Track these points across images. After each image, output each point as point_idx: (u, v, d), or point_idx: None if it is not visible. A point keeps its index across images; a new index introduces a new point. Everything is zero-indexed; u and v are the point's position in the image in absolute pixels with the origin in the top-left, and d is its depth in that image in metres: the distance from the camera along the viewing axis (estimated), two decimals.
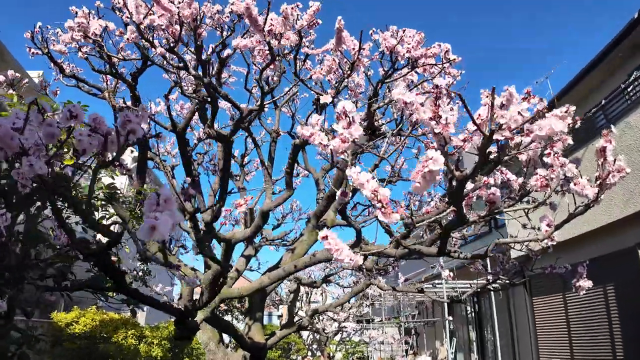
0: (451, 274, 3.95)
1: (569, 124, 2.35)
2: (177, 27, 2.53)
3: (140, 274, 3.45)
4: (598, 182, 1.91)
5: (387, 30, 3.26)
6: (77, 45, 3.54)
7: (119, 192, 3.33)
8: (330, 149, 1.69)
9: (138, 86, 3.96)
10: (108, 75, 4.33)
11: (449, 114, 1.43)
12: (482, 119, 1.45)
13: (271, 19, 2.42)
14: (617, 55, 8.06)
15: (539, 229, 2.37)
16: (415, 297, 13.08)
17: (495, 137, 1.33)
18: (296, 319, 6.73)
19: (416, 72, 3.43)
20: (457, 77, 3.51)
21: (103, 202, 3.28)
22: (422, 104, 1.40)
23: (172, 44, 2.61)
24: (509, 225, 9.91)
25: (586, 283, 3.57)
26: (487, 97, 1.45)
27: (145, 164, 4.57)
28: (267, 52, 2.52)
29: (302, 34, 3.01)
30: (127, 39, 2.76)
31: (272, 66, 2.70)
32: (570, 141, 1.80)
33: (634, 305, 7.30)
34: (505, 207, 1.82)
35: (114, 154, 1.65)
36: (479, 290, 3.82)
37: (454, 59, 3.21)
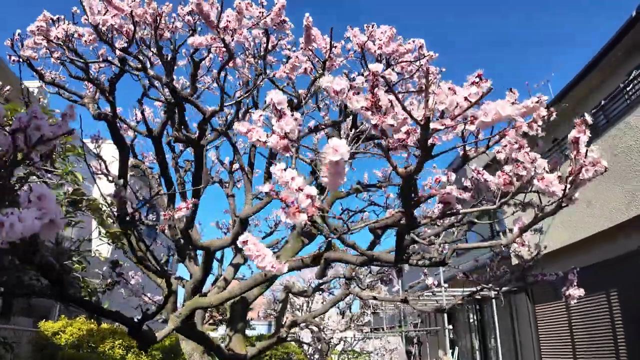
0: (436, 282, 3.78)
1: (543, 116, 2.19)
2: (132, 26, 2.42)
3: (109, 282, 3.32)
4: (570, 178, 1.73)
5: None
6: (48, 51, 3.45)
7: (86, 197, 3.23)
8: (270, 147, 1.56)
9: (128, 92, 3.86)
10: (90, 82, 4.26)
11: (387, 103, 1.28)
12: (430, 109, 1.30)
13: (227, 15, 2.29)
14: (617, 54, 7.88)
15: (511, 230, 2.20)
16: (416, 305, 12.84)
17: (434, 126, 1.18)
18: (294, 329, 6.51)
19: (394, 71, 3.30)
20: (437, 75, 3.37)
21: (68, 209, 3.17)
22: (356, 93, 1.26)
23: (126, 44, 2.50)
24: (509, 231, 9.69)
25: (577, 291, 3.37)
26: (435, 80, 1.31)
27: (126, 169, 4.46)
28: (225, 49, 2.40)
29: (269, 33, 2.89)
30: (85, 41, 2.66)
31: (231, 64, 2.58)
32: (525, 128, 1.65)
33: (638, 310, 7.05)
34: (465, 209, 1.66)
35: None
36: (464, 299, 3.65)
37: (430, 55, 3.07)
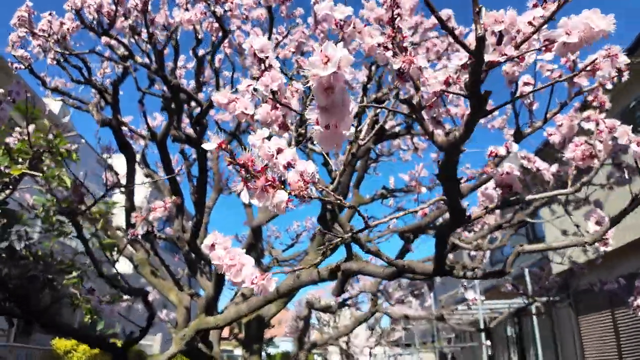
0: (477, 296, 3.30)
1: (617, 68, 1.71)
2: (114, 6, 2.10)
3: (108, 297, 2.99)
4: None
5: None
6: (41, 49, 3.22)
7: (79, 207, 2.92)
8: (257, 120, 1.17)
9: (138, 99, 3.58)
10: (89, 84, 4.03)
11: (411, 39, 0.88)
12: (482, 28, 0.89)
13: None
14: None
15: (582, 231, 1.74)
16: (450, 319, 12.11)
17: (490, 57, 0.77)
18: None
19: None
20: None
21: (59, 219, 2.86)
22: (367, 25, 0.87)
23: (107, 27, 2.19)
24: (549, 235, 9.02)
25: None
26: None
27: (133, 176, 4.19)
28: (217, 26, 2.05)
29: (273, 13, 2.53)
30: (68, 29, 2.37)
31: (226, 44, 2.23)
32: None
33: None
34: (532, 196, 1.22)
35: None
36: (511, 315, 3.15)
37: (460, 31, 2.65)
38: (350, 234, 0.89)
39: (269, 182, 0.64)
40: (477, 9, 0.73)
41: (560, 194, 1.17)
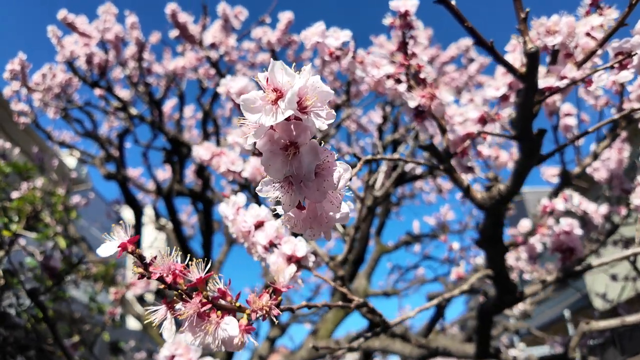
0: (520, 354, 2.92)
1: None
2: (105, 55, 1.99)
3: None
4: None
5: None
6: (42, 103, 3.17)
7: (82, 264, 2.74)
8: (246, 178, 0.96)
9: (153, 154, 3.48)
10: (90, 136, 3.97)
11: (429, 69, 0.67)
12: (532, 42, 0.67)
13: (214, 33, 1.81)
14: None
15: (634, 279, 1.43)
16: None
17: (545, 83, 0.54)
18: None
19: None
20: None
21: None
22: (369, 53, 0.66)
23: (99, 76, 2.07)
24: (590, 274, 8.44)
25: None
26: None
27: (140, 232, 4.03)
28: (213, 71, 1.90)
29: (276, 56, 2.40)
30: (60, 82, 2.27)
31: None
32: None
33: None
34: (600, 260, 0.95)
35: None
36: None
37: (482, 64, 2.45)
38: (377, 330, 0.64)
39: (209, 304, 0.40)
40: (522, 15, 0.51)
41: (635, 254, 0.91)
